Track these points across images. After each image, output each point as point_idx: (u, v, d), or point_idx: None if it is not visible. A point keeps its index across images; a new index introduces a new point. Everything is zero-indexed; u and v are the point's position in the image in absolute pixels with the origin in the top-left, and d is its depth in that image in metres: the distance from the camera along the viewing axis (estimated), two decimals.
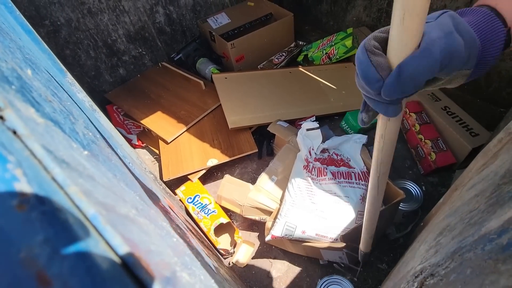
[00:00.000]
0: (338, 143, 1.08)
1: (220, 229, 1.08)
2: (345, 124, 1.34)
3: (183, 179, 1.20)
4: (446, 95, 1.26)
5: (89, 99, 0.79)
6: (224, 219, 1.06)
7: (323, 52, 1.59)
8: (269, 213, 0.99)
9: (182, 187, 1.17)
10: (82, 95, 0.75)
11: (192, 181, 1.19)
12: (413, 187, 1.06)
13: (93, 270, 0.17)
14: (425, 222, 0.80)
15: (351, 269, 0.96)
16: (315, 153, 1.04)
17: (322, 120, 1.38)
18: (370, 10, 1.55)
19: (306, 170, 0.99)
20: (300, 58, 1.69)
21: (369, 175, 0.98)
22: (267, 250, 1.06)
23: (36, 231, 0.16)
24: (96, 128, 0.61)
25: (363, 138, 1.07)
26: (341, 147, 1.08)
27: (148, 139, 1.43)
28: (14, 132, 0.18)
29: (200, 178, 1.21)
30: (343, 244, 0.84)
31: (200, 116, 1.37)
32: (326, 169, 0.99)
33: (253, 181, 1.18)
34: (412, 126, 1.22)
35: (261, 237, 1.09)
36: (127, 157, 0.75)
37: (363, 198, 0.94)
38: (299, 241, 0.92)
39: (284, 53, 1.69)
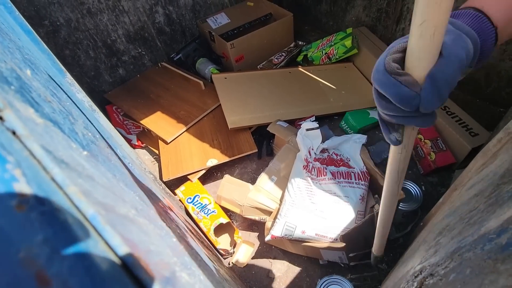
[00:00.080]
0: (338, 143, 1.08)
1: (220, 229, 1.08)
2: (345, 124, 1.34)
3: (183, 179, 1.20)
4: None
5: (88, 99, 0.79)
6: (224, 219, 1.06)
7: (322, 52, 1.59)
8: (269, 213, 0.99)
9: (182, 187, 1.17)
10: (81, 95, 0.75)
11: (191, 181, 1.19)
12: (412, 187, 1.06)
13: (93, 270, 0.17)
14: (424, 222, 0.80)
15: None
16: (315, 153, 1.04)
17: (321, 120, 1.38)
18: (370, 10, 1.56)
19: (306, 170, 0.99)
20: (299, 58, 1.69)
21: (368, 175, 0.99)
22: (267, 250, 1.06)
23: (35, 231, 0.16)
24: (95, 128, 0.61)
25: (363, 138, 1.07)
26: (340, 147, 1.09)
27: (147, 139, 1.43)
28: (13, 133, 0.18)
29: (199, 178, 1.21)
30: (343, 244, 0.84)
31: (200, 116, 1.37)
32: (326, 169, 0.99)
33: (252, 181, 1.18)
34: None
35: (261, 237, 1.09)
36: (127, 157, 0.75)
37: (363, 198, 0.94)
38: (299, 241, 0.92)
39: (283, 53, 1.69)
